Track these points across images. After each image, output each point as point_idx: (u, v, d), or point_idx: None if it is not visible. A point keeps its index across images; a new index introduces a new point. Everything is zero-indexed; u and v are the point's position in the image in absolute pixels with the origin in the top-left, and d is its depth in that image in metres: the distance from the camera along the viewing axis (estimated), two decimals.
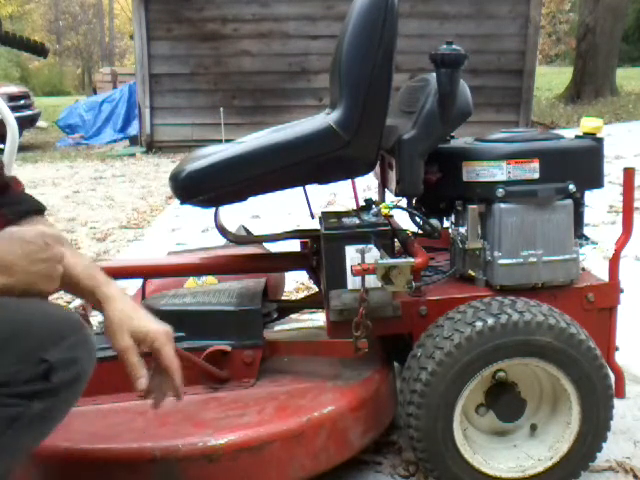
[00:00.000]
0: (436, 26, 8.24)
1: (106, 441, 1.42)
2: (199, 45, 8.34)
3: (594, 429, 1.48)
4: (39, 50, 1.87)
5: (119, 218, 4.96)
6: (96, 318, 2.38)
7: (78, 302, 2.78)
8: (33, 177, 7.05)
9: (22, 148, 8.72)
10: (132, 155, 8.56)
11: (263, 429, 1.43)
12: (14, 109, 7.11)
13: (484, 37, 8.30)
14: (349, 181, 1.79)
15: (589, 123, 1.60)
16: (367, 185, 4.94)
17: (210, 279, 2.06)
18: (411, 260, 1.44)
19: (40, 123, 11.39)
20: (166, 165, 7.64)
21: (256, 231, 2.18)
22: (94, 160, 8.47)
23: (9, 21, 23.88)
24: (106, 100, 10.66)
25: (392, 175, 1.63)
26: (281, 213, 4.52)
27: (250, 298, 1.72)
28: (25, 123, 9.53)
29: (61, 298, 3.08)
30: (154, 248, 3.94)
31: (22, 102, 9.78)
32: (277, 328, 1.94)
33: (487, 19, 8.33)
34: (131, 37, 9.89)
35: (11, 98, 9.19)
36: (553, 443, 1.52)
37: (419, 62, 6.48)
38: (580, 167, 1.57)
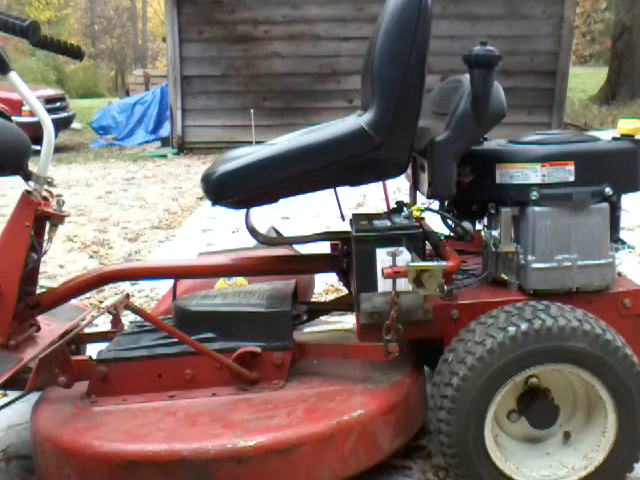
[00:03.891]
0: (468, 27, 8.17)
1: (136, 441, 1.43)
2: (230, 47, 8.40)
3: (631, 438, 1.45)
4: (75, 53, 1.89)
5: (151, 219, 5.02)
6: (127, 318, 2.41)
7: (109, 302, 2.82)
8: (67, 178, 7.18)
9: (57, 149, 8.86)
10: (163, 156, 8.65)
11: (292, 431, 1.43)
12: (50, 111, 7.25)
13: (517, 38, 8.20)
14: (379, 183, 1.78)
15: (627, 125, 1.56)
16: (397, 187, 4.91)
17: (240, 280, 2.06)
18: (443, 263, 1.43)
19: (74, 125, 11.56)
20: (197, 166, 7.71)
21: (286, 232, 2.18)
22: (126, 161, 8.58)
23: (47, 26, 24.36)
24: (138, 102, 10.79)
25: (424, 177, 1.61)
26: (309, 215, 4.52)
27: (280, 300, 1.72)
28: (60, 125, 9.70)
29: (91, 298, 3.12)
30: (185, 249, 3.97)
31: (58, 104, 9.96)
32: (307, 330, 1.94)
33: (520, 20, 8.22)
34: (163, 40, 9.99)
35: (48, 101, 9.37)
36: (588, 452, 1.49)
37: (450, 64, 6.41)
38: (617, 170, 1.54)
